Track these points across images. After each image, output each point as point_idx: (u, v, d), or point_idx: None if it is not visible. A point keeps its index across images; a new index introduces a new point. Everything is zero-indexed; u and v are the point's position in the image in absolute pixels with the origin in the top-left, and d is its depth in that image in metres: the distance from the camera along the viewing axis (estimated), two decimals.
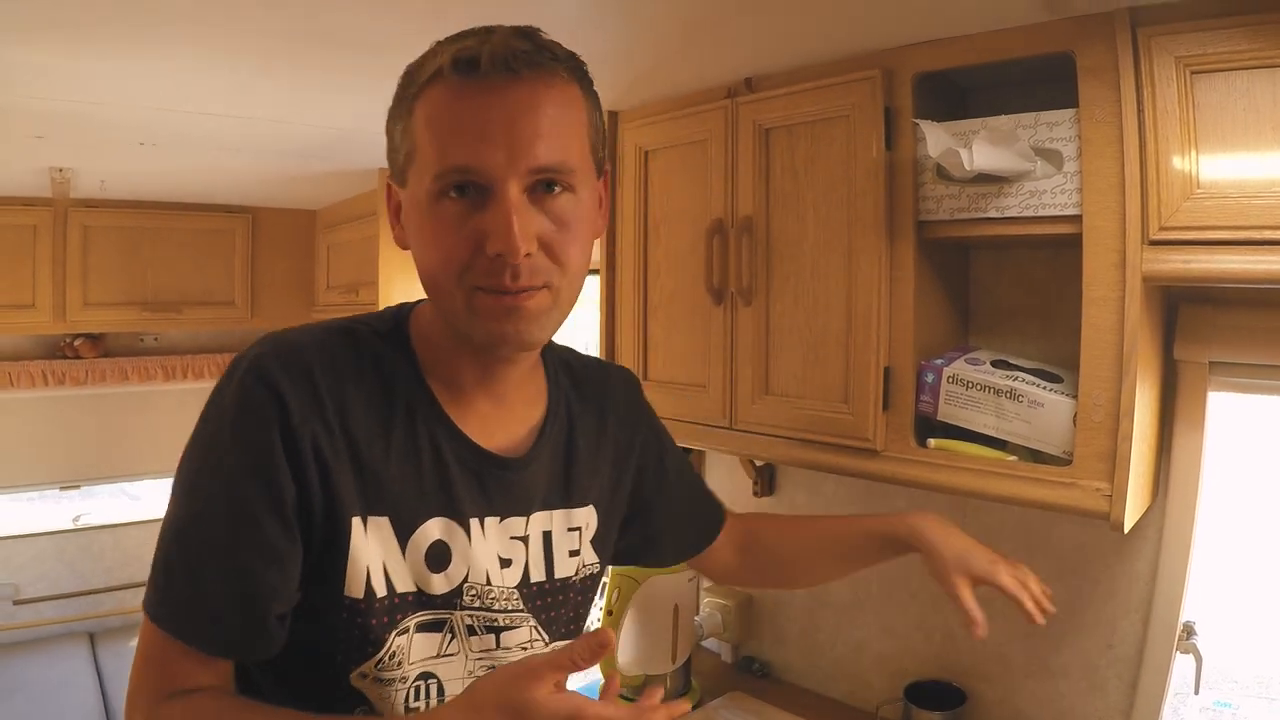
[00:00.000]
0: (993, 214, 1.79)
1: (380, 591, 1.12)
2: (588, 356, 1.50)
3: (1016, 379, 1.79)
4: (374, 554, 1.12)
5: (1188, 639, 2.03)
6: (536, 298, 1.09)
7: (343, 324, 1.22)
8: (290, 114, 2.73)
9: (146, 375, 4.81)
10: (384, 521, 1.13)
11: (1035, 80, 1.90)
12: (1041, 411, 1.75)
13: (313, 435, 1.07)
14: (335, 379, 1.12)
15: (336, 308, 4.41)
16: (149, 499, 5.71)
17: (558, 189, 1.09)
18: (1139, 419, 1.68)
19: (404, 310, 1.26)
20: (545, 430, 1.30)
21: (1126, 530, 1.68)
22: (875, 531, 1.66)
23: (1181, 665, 2.04)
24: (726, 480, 2.91)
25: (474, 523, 1.20)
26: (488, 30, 1.07)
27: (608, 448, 1.43)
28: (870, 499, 2.48)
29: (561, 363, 1.41)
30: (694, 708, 2.54)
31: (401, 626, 1.15)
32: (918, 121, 1.79)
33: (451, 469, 1.18)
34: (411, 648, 1.17)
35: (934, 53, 1.87)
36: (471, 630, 1.21)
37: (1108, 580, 2.11)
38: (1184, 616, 2.03)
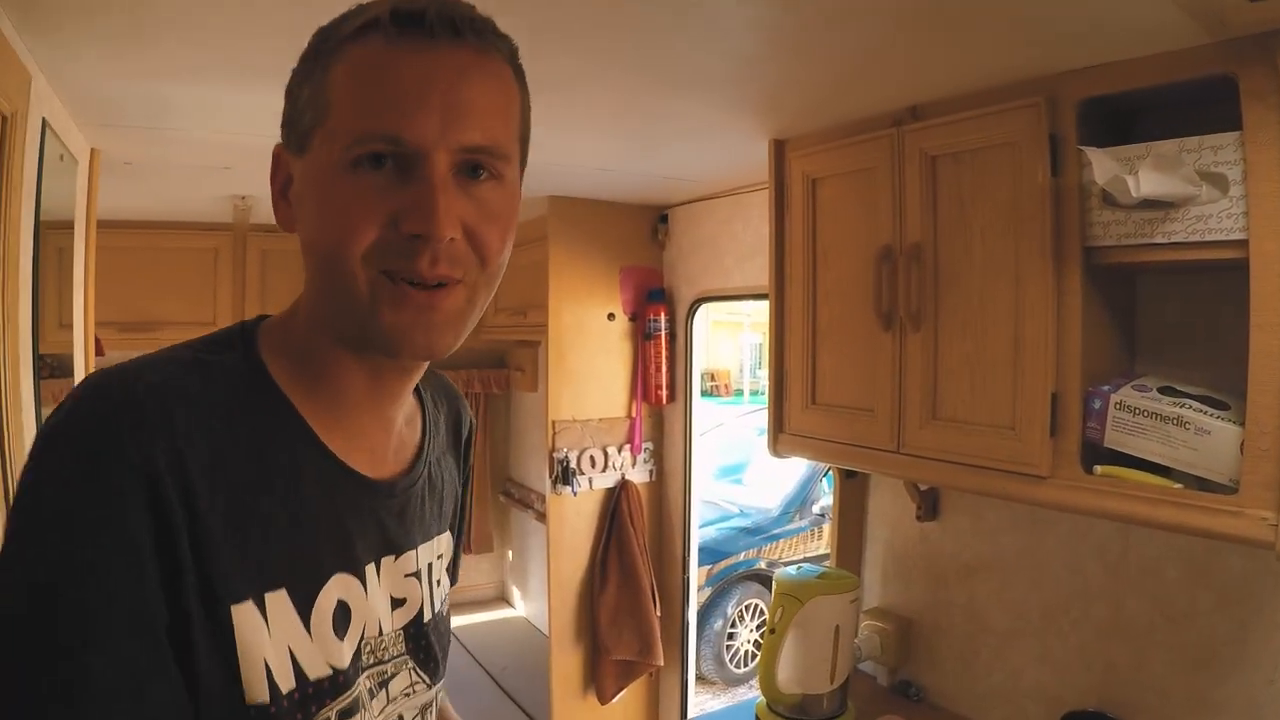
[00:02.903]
0: (1159, 239, 1.81)
1: (287, 685, 0.90)
2: (438, 377, 1.32)
3: (1184, 405, 1.80)
4: (274, 640, 0.90)
5: None
6: (451, 296, 0.95)
7: (186, 356, 0.96)
8: None
9: None
10: (281, 596, 0.91)
11: (1203, 100, 1.88)
12: (1208, 439, 1.76)
13: (183, 507, 0.83)
14: (200, 429, 0.87)
15: (505, 329, 4.67)
16: None
17: (484, 174, 0.95)
18: None
19: (248, 330, 1.03)
20: (423, 451, 1.17)
21: None
22: None
23: None
24: (890, 505, 2.96)
25: (369, 569, 1.03)
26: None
27: (453, 469, 1.30)
28: (1035, 525, 2.51)
29: (427, 381, 1.24)
30: None
31: None
32: (1083, 149, 1.83)
33: (344, 513, 1.00)
34: None
35: (1096, 78, 1.91)
36: (371, 694, 1.03)
37: (1271, 612, 2.07)
38: None
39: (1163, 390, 1.87)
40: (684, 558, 4.34)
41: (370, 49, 0.91)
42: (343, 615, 0.97)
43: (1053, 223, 1.95)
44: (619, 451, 4.24)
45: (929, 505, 2.79)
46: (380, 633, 1.05)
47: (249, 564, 0.88)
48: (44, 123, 2.17)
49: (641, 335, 4.23)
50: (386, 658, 1.06)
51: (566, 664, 4.25)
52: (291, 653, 0.91)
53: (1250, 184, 1.67)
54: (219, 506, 0.86)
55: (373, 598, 1.03)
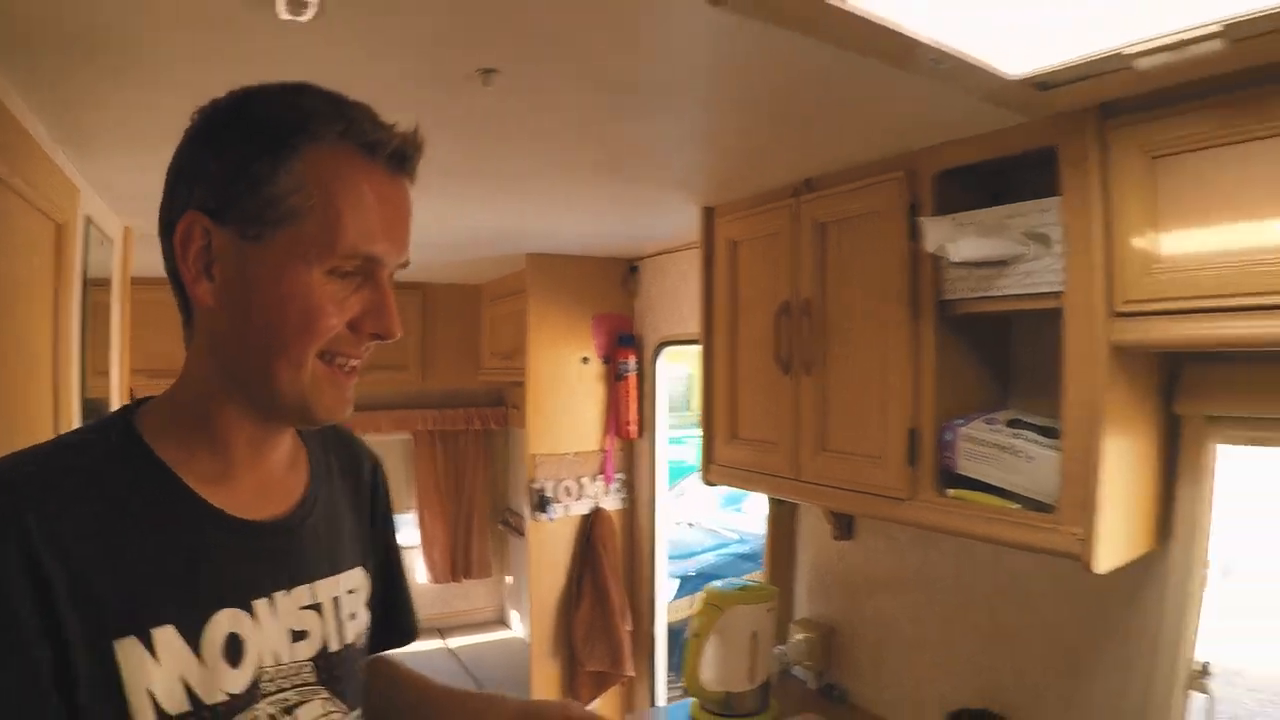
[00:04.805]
0: (995, 292, 2.02)
1: (178, 709, 0.96)
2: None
3: (1020, 436, 1.99)
4: (164, 670, 0.95)
5: (1201, 679, 2.12)
6: (357, 372, 1.09)
7: (72, 439, 1.08)
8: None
9: None
10: (168, 631, 0.96)
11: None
12: (1035, 464, 1.95)
13: (60, 564, 0.90)
14: (77, 497, 0.95)
15: (498, 371, 4.95)
16: None
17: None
18: (1123, 470, 1.87)
19: (129, 410, 1.08)
20: (312, 493, 1.20)
21: (1102, 571, 1.84)
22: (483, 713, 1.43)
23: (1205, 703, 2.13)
24: (814, 527, 3.16)
25: (260, 603, 1.06)
26: (376, 117, 1.05)
27: (364, 510, 1.35)
28: (929, 544, 2.71)
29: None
30: None
31: None
32: (920, 219, 2.04)
33: (225, 554, 1.04)
34: None
35: (946, 154, 2.13)
36: (274, 719, 1.06)
37: (1124, 623, 2.24)
38: (1196, 657, 2.13)
39: (1010, 423, 2.06)
40: (652, 577, 4.53)
41: (346, 166, 1.00)
42: (235, 646, 1.01)
43: (910, 280, 2.16)
44: (593, 481, 4.45)
45: (844, 527, 2.97)
46: (280, 662, 1.07)
47: (129, 605, 0.93)
48: (87, 219, 2.50)
49: (613, 376, 4.43)
50: (289, 686, 1.09)
51: (545, 675, 4.45)
52: (185, 681, 0.96)
53: (1067, 242, 1.86)
54: (97, 561, 0.92)
55: (266, 630, 1.05)
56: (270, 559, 1.09)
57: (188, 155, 1.03)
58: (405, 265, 1.10)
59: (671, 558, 6.66)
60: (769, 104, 1.96)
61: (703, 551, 7.45)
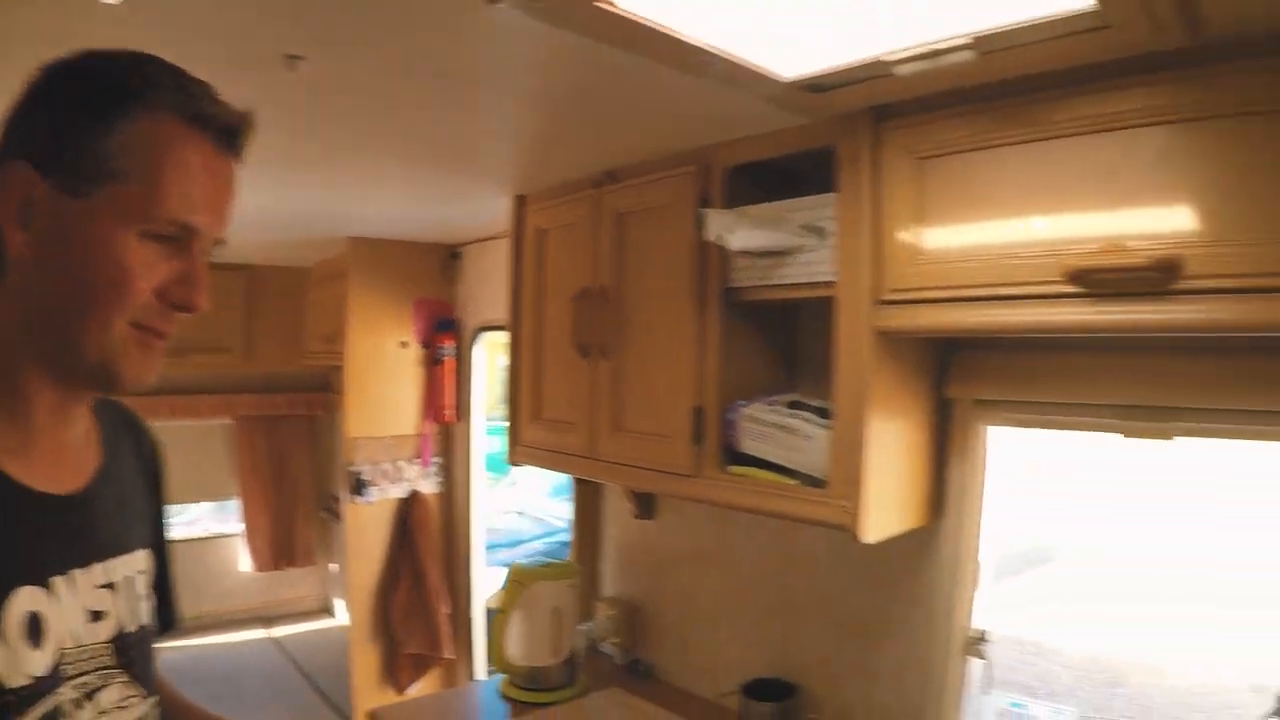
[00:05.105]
0: (777, 281, 2.13)
1: None
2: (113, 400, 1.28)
3: (797, 416, 2.10)
4: None
5: (979, 645, 2.29)
6: (166, 342, 1.06)
7: None
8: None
9: (154, 412, 5.17)
10: None
11: None
12: (810, 442, 2.05)
13: None
14: None
15: (321, 355, 4.85)
16: None
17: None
18: (890, 448, 2.01)
19: None
20: (105, 469, 1.17)
21: (870, 541, 1.96)
22: None
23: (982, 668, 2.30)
24: (618, 506, 3.25)
25: (58, 581, 1.01)
26: (214, 94, 1.06)
27: (148, 492, 1.32)
28: (723, 520, 2.83)
29: (101, 402, 1.23)
30: (574, 699, 2.86)
31: None
32: (702, 210, 2.13)
33: (21, 528, 0.99)
34: None
35: (736, 150, 2.22)
36: (77, 704, 1.02)
37: (905, 590, 2.39)
38: (974, 624, 2.29)
39: (790, 404, 2.17)
40: (469, 560, 4.56)
41: (173, 135, 1.00)
42: (35, 626, 0.96)
43: (698, 269, 2.26)
44: (410, 465, 4.45)
45: (644, 507, 3.07)
46: (80, 644, 1.03)
47: None
48: None
49: (431, 360, 4.44)
50: (90, 669, 1.04)
51: (366, 659, 4.42)
52: None
53: (840, 235, 1.98)
54: None
55: (66, 609, 1.01)
56: (67, 535, 1.05)
57: (23, 107, 1.00)
58: (222, 243, 1.09)
59: (500, 546, 6.69)
60: (572, 98, 2.02)
61: (531, 540, 7.49)
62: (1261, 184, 1.43)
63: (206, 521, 6.52)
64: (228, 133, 1.05)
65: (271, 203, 3.19)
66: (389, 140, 2.38)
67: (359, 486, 4.27)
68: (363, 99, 2.01)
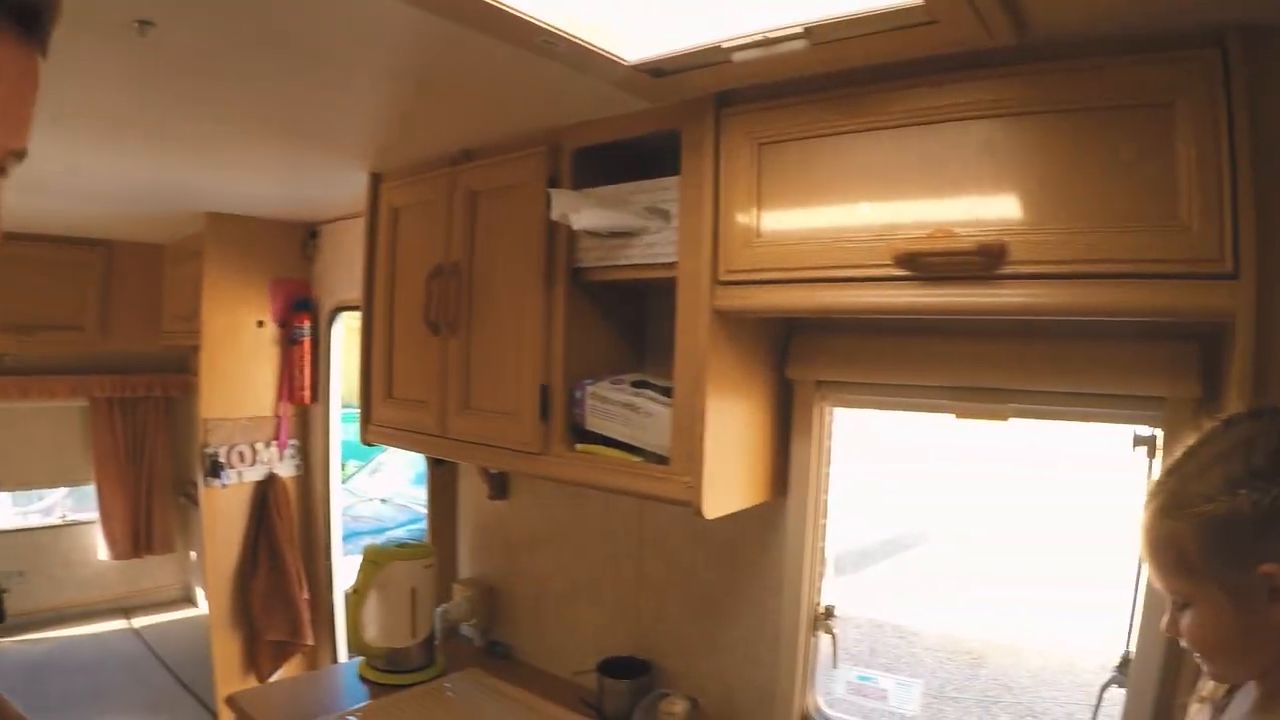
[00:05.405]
0: (622, 261, 2.16)
1: None
2: None
3: (641, 394, 2.13)
4: None
5: (827, 619, 2.36)
6: None
7: None
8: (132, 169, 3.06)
9: (3, 393, 5.07)
10: None
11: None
12: (653, 420, 2.09)
13: None
14: None
15: (179, 334, 4.70)
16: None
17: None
18: (730, 426, 2.05)
19: None
20: None
21: (712, 516, 2.01)
22: None
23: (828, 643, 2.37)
24: (473, 488, 3.25)
25: None
26: None
27: None
28: (576, 500, 2.87)
29: None
30: (433, 680, 2.85)
31: None
32: (549, 190, 2.15)
33: None
34: None
35: (584, 132, 2.25)
36: None
37: (754, 567, 2.45)
38: (820, 599, 2.36)
39: (635, 383, 2.20)
40: (328, 544, 4.50)
41: None
42: None
43: (546, 248, 2.27)
44: (267, 447, 4.36)
45: (498, 487, 3.08)
46: None
47: None
48: None
49: (287, 341, 4.36)
50: None
51: (226, 648, 4.32)
52: None
53: (682, 217, 2.02)
54: None
55: None
56: None
57: None
58: (20, 157, 0.84)
59: (364, 533, 6.63)
60: (428, 76, 2.02)
61: (395, 527, 7.45)
62: (1078, 176, 1.52)
63: (62, 508, 6.28)
64: (26, 15, 0.81)
65: (127, 174, 3.09)
66: (245, 113, 2.32)
67: (215, 469, 4.17)
68: (216, 69, 1.96)
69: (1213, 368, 1.70)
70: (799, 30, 1.55)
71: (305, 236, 4.39)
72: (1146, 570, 1.20)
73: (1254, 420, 1.12)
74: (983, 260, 1.59)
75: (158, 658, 5.36)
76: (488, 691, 2.77)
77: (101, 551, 5.83)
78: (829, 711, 2.40)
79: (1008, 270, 1.58)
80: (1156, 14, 1.44)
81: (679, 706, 2.41)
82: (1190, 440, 1.16)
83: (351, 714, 2.60)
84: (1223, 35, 1.41)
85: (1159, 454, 1.81)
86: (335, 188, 3.38)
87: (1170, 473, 1.15)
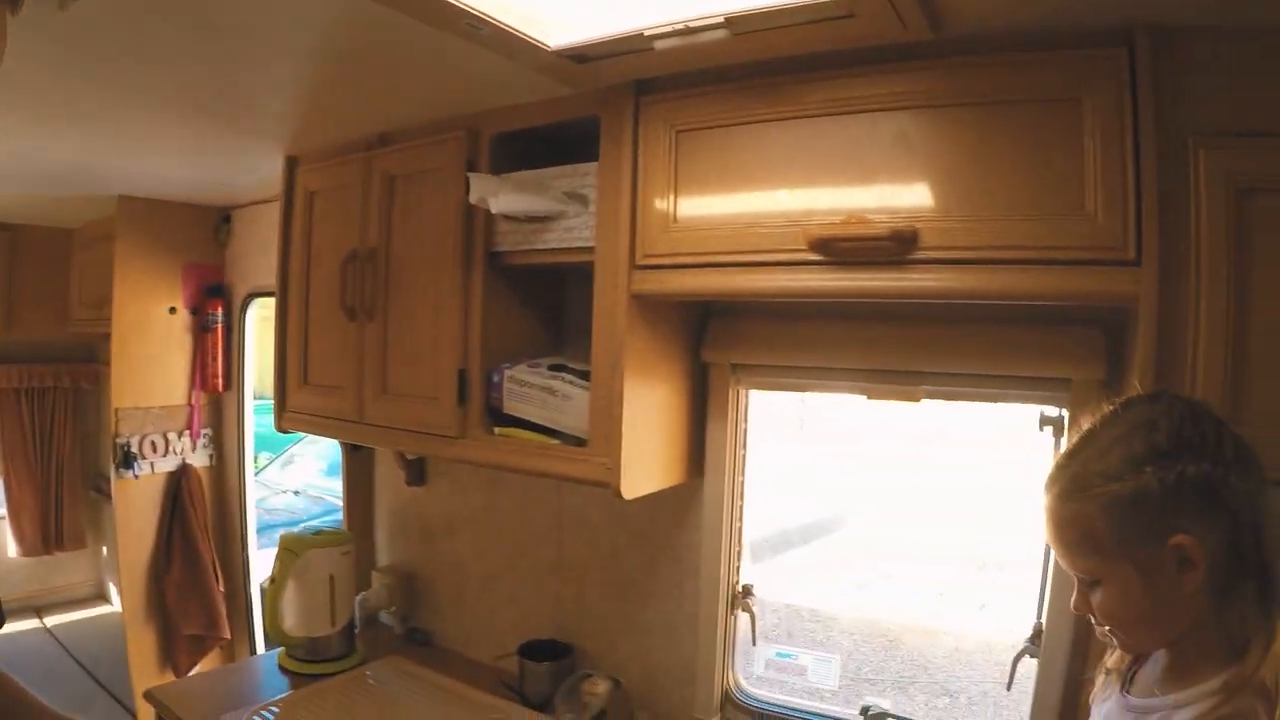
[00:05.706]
0: (540, 245, 2.17)
1: None
2: None
3: (558, 378, 2.15)
4: None
5: (745, 598, 2.41)
6: None
7: None
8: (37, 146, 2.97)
9: None
10: None
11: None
12: (571, 403, 2.11)
13: None
14: None
15: (88, 322, 4.58)
16: None
17: None
18: (647, 408, 2.08)
19: None
20: None
21: (630, 497, 2.04)
22: None
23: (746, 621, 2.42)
24: (390, 474, 3.24)
25: None
26: None
27: None
28: (494, 484, 2.88)
29: None
30: (354, 668, 2.83)
31: None
32: (468, 175, 2.15)
33: None
34: None
35: (503, 117, 2.25)
36: None
37: (672, 548, 2.48)
38: (739, 579, 2.41)
39: (552, 367, 2.21)
40: (243, 535, 4.44)
41: None
42: None
43: (463, 232, 2.27)
44: (180, 437, 4.28)
45: (415, 473, 3.07)
46: None
47: None
48: None
49: (200, 328, 4.28)
50: None
51: (142, 644, 4.22)
52: None
53: (599, 202, 2.04)
54: None
55: None
56: None
57: None
58: None
59: (277, 526, 6.53)
60: (345, 57, 2.00)
61: (309, 519, 7.35)
62: (989, 167, 1.58)
63: None
64: None
65: (35, 153, 3.00)
66: (163, 92, 2.27)
67: (127, 460, 4.08)
68: (134, 46, 1.92)
69: (1117, 352, 1.77)
70: (720, 20, 1.59)
71: (218, 221, 4.30)
72: (1053, 552, 1.25)
73: (1153, 403, 1.17)
74: (894, 245, 1.65)
75: (73, 657, 5.24)
76: (409, 678, 2.76)
77: (10, 549, 5.68)
78: (750, 689, 2.44)
79: (919, 255, 1.64)
80: (1067, 11, 1.50)
81: (601, 687, 2.43)
82: (1086, 425, 1.21)
83: (273, 704, 2.57)
84: (1131, 34, 1.47)
85: (1065, 433, 1.88)
86: (250, 171, 3.33)
87: (1070, 456, 1.19)
